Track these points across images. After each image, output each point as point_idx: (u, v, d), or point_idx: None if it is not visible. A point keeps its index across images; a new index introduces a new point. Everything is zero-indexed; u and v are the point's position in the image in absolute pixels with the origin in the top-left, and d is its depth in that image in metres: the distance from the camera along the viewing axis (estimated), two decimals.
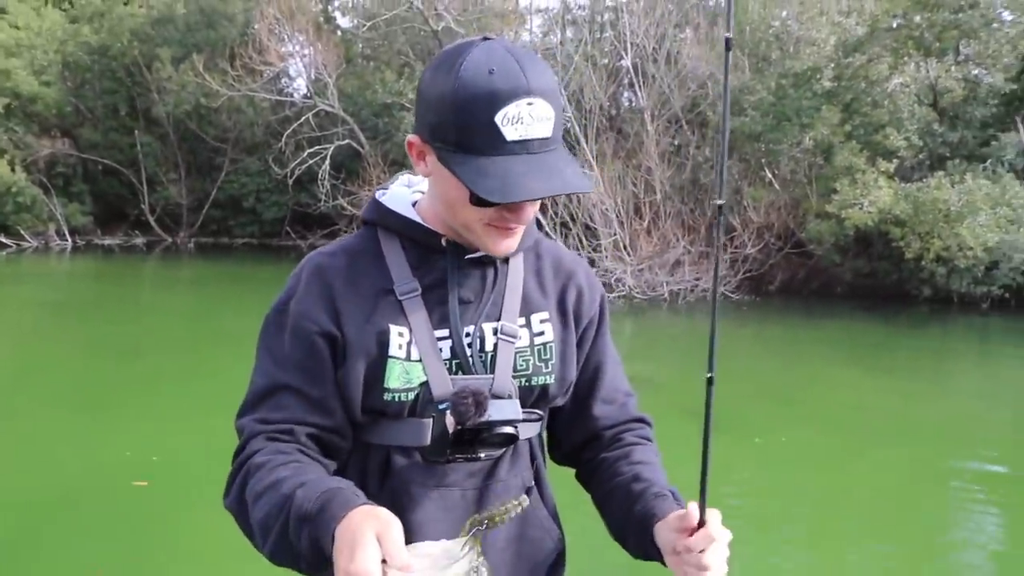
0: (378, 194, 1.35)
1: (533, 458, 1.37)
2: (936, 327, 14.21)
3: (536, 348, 1.30)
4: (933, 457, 6.56)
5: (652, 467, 1.35)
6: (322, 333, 1.23)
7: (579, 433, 1.42)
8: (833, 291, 16.67)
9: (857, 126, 15.93)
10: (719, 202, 1.18)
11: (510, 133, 1.12)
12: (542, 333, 1.31)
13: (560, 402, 1.38)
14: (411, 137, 1.23)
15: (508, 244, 1.24)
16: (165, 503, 5.09)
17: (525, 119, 1.12)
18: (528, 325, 1.30)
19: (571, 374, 1.35)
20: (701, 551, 1.13)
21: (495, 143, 1.12)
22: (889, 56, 16.16)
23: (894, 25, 16.41)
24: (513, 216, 1.20)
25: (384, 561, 0.94)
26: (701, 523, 1.14)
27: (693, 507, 1.16)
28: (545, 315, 1.32)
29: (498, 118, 1.11)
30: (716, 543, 1.13)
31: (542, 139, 1.14)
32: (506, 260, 1.32)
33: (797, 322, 14.35)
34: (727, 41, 1.15)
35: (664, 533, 1.20)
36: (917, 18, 16.03)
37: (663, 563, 1.23)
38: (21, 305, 14.52)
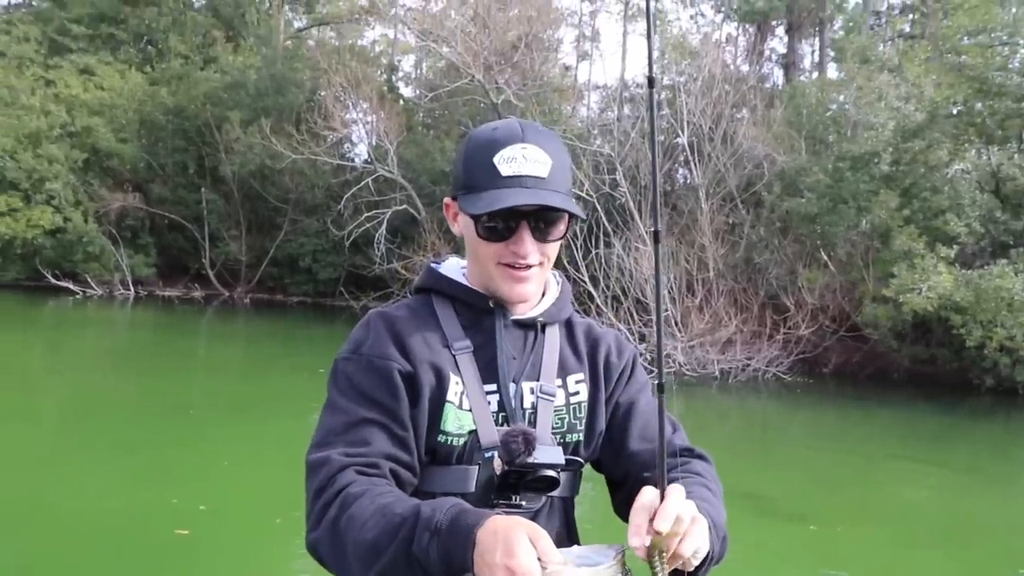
0: (432, 265, 1.50)
1: (567, 517, 1.44)
2: (999, 420, 13.68)
3: (571, 407, 1.42)
4: (991, 562, 6.22)
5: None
6: (401, 370, 1.32)
7: (621, 473, 1.44)
8: (889, 377, 16.22)
9: (916, 211, 15.72)
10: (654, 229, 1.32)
11: (505, 169, 1.31)
12: (577, 393, 1.43)
13: (591, 455, 1.45)
14: (446, 199, 1.44)
15: (521, 289, 1.37)
16: (203, 553, 5.13)
17: (519, 159, 1.31)
18: (564, 386, 1.42)
19: (599, 425, 1.44)
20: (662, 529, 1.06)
21: (493, 178, 1.31)
22: (949, 142, 16.02)
23: (954, 112, 16.32)
24: (515, 248, 1.33)
25: (539, 560, 0.96)
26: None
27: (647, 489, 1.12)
28: (580, 376, 1.44)
29: (495, 158, 1.32)
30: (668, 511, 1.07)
31: (536, 177, 1.31)
32: (543, 328, 1.44)
33: (851, 407, 13.95)
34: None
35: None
36: (979, 105, 15.92)
37: None
38: (83, 351, 14.95)
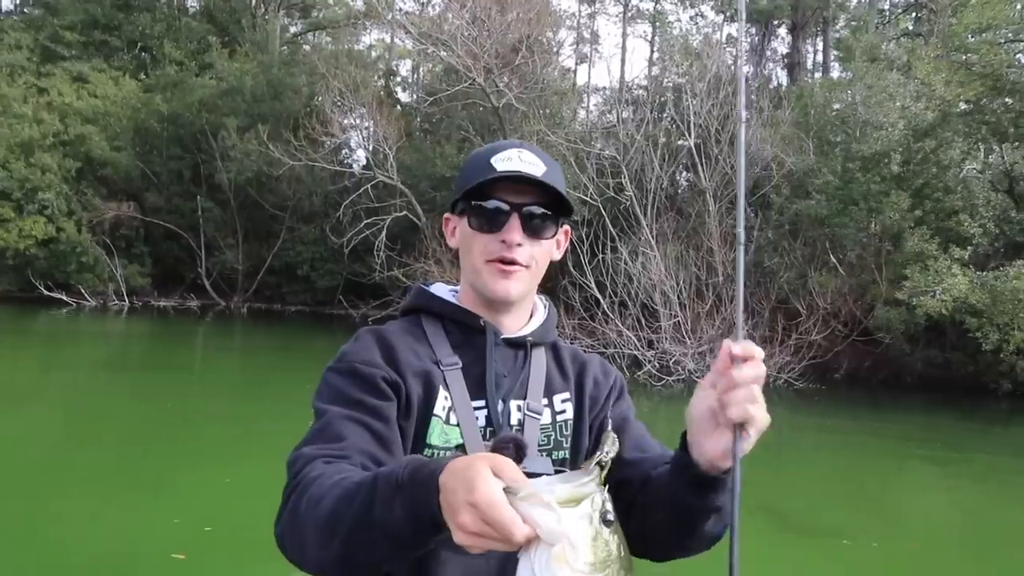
0: (422, 286, 1.53)
1: None
2: (1018, 426, 13.37)
3: (557, 424, 1.44)
4: None
5: None
6: (386, 379, 1.32)
7: (617, 480, 1.33)
8: (902, 381, 15.91)
9: (928, 212, 15.43)
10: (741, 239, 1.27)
11: (500, 165, 1.36)
12: (563, 411, 1.45)
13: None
14: (445, 215, 1.49)
15: (508, 286, 1.38)
16: None
17: (515, 159, 1.37)
18: (550, 404, 1.44)
19: (584, 443, 1.45)
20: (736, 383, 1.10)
21: (489, 174, 1.36)
22: (961, 141, 15.74)
23: (964, 108, 16.03)
24: (506, 237, 1.36)
25: (506, 490, 0.89)
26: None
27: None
28: (566, 395, 1.47)
29: (493, 159, 1.38)
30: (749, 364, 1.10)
31: (530, 175, 1.35)
32: (531, 348, 1.46)
33: (865, 414, 13.63)
34: None
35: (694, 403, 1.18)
36: (992, 104, 15.64)
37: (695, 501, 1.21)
38: (75, 366, 14.56)
